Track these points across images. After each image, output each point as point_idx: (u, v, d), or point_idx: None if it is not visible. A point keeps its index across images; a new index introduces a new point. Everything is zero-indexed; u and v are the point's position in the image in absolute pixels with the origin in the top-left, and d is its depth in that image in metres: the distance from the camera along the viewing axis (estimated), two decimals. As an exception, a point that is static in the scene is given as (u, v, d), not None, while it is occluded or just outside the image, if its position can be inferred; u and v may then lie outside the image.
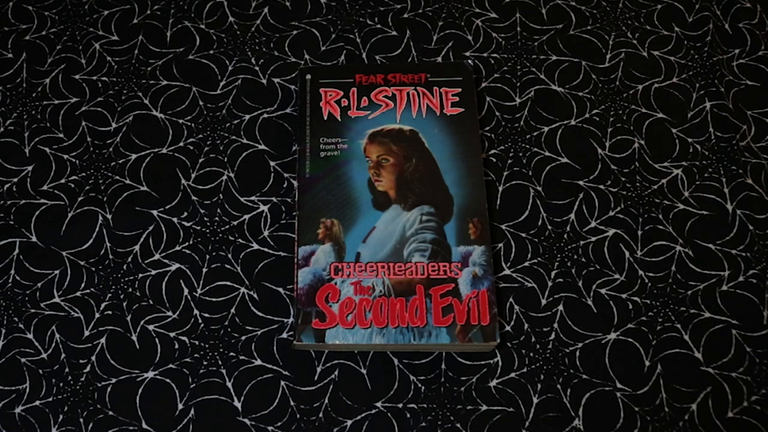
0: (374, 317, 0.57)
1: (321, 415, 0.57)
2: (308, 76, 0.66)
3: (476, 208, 0.61)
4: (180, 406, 0.57)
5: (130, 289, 0.61)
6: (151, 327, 0.60)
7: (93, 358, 0.59)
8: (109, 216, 0.64)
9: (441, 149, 0.63)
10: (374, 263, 0.59)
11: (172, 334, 0.60)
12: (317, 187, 0.62)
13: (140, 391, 0.58)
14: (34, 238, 0.63)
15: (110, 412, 0.57)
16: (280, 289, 0.61)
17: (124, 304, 0.61)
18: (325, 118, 0.65)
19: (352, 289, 0.58)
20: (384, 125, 0.64)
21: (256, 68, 0.71)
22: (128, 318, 0.60)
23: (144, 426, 0.57)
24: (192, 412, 0.57)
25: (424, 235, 0.59)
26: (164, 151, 0.67)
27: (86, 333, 0.60)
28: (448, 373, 0.58)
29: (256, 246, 0.63)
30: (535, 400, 0.58)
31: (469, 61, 0.67)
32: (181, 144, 0.67)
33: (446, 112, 0.65)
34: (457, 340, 0.56)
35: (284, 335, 0.60)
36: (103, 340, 0.59)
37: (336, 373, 0.58)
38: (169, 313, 0.60)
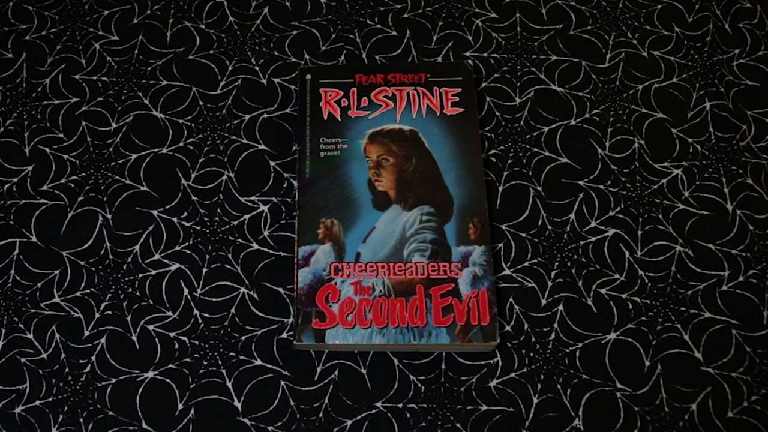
0: (374, 317, 0.57)
1: (321, 415, 0.57)
2: (308, 76, 0.66)
3: (476, 208, 0.61)
4: (180, 406, 0.57)
5: (130, 289, 0.61)
6: (151, 327, 0.60)
7: (93, 358, 0.59)
8: (109, 216, 0.64)
9: (441, 149, 0.63)
10: (374, 263, 0.59)
11: (172, 334, 0.60)
12: (317, 187, 0.62)
13: (140, 391, 0.58)
14: (34, 238, 0.63)
15: (110, 412, 0.57)
16: (280, 289, 0.61)
17: (124, 304, 0.61)
18: (325, 118, 0.65)
19: (352, 289, 0.58)
20: (384, 125, 0.64)
21: (256, 68, 0.71)
22: (128, 318, 0.60)
23: (144, 426, 0.57)
24: (192, 412, 0.57)
25: (424, 235, 0.59)
26: (164, 151, 0.67)
27: (86, 333, 0.60)
28: (448, 373, 0.58)
29: (256, 246, 0.63)
30: (535, 400, 0.58)
31: (469, 61, 0.67)
32: (181, 144, 0.67)
33: (446, 112, 0.65)
34: (457, 340, 0.56)
35: (284, 335, 0.60)
36: (103, 340, 0.59)
37: (336, 373, 0.58)
38: (169, 313, 0.60)
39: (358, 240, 0.60)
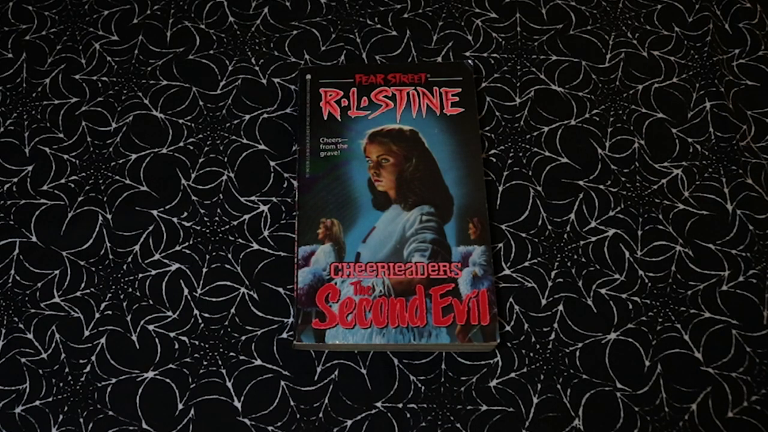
0: (374, 317, 0.57)
1: (321, 415, 0.57)
2: (308, 76, 0.66)
3: (476, 208, 0.61)
4: (180, 406, 0.57)
5: (130, 289, 0.61)
6: (151, 327, 0.60)
7: (93, 358, 0.59)
8: (109, 216, 0.64)
9: (441, 149, 0.63)
10: (374, 263, 0.59)
11: (172, 334, 0.60)
12: (317, 187, 0.62)
13: (140, 391, 0.58)
14: (34, 238, 0.63)
15: (110, 412, 0.57)
16: (280, 289, 0.61)
17: (124, 304, 0.61)
18: (325, 118, 0.65)
19: (352, 289, 0.58)
20: (384, 125, 0.64)
21: (256, 68, 0.71)
22: (128, 318, 0.60)
23: (144, 426, 0.57)
24: (192, 412, 0.57)
25: (424, 235, 0.59)
26: (164, 151, 0.67)
27: (86, 333, 0.60)
28: (448, 373, 0.58)
29: (256, 246, 0.63)
30: (535, 400, 0.58)
31: (469, 61, 0.67)
32: (181, 144, 0.67)
33: (446, 112, 0.65)
34: (457, 340, 0.56)
35: (284, 335, 0.60)
36: (103, 340, 0.59)
37: (336, 373, 0.58)
38: (169, 313, 0.60)
39: (358, 240, 0.60)
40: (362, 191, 0.61)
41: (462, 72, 0.67)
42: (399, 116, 0.65)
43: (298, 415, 0.57)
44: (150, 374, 0.58)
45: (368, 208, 0.61)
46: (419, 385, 0.58)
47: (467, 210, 0.60)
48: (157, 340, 0.59)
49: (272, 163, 0.66)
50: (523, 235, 0.63)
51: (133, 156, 0.67)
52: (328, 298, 0.58)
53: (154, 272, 0.62)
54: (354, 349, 0.59)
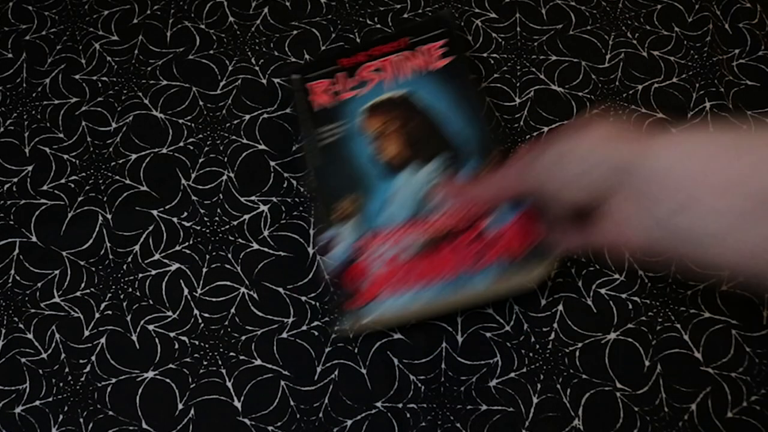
0: (411, 279, 0.56)
1: (321, 415, 0.57)
2: (294, 76, 0.66)
3: (488, 145, 0.60)
4: (180, 406, 0.57)
5: (130, 289, 0.61)
6: (151, 327, 0.60)
7: (93, 358, 0.59)
8: (109, 216, 0.64)
9: (439, 103, 0.62)
10: (397, 228, 0.58)
11: (172, 334, 0.60)
12: (327, 174, 0.61)
13: (140, 391, 0.58)
14: (34, 238, 0.63)
15: (110, 412, 0.57)
16: (280, 289, 0.61)
17: (124, 304, 0.61)
18: (318, 110, 0.64)
19: (382, 261, 0.57)
20: (376, 97, 0.64)
21: (256, 68, 0.71)
22: (128, 318, 0.60)
23: (144, 426, 0.57)
24: (192, 412, 0.57)
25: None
26: (164, 151, 0.67)
27: (86, 333, 0.60)
28: (448, 373, 0.58)
29: (256, 246, 0.63)
30: (535, 400, 0.58)
31: (446, 9, 0.66)
32: (181, 144, 0.67)
33: (436, 65, 0.64)
34: (506, 276, 0.55)
35: (284, 335, 0.60)
36: (103, 340, 0.59)
37: (336, 373, 0.58)
38: (169, 313, 0.60)
39: (378, 213, 0.59)
40: (370, 166, 0.61)
41: (441, 24, 0.66)
42: (390, 85, 0.64)
43: (298, 415, 0.57)
44: (150, 374, 0.58)
45: (380, 179, 0.60)
46: (419, 384, 0.58)
47: (481, 150, 0.59)
48: (157, 340, 0.59)
49: (272, 163, 0.66)
50: (523, 235, 0.63)
51: (133, 156, 0.67)
52: (359, 276, 0.57)
53: (154, 272, 0.62)
54: (397, 321, 0.57)
